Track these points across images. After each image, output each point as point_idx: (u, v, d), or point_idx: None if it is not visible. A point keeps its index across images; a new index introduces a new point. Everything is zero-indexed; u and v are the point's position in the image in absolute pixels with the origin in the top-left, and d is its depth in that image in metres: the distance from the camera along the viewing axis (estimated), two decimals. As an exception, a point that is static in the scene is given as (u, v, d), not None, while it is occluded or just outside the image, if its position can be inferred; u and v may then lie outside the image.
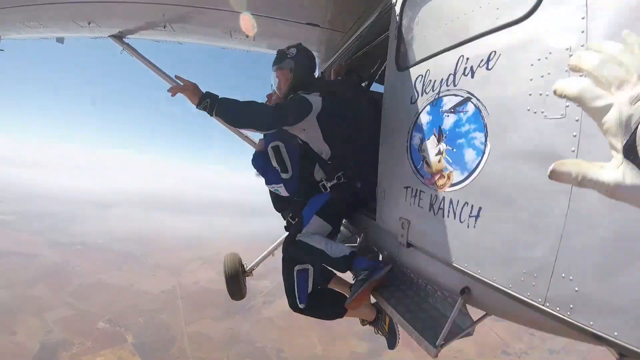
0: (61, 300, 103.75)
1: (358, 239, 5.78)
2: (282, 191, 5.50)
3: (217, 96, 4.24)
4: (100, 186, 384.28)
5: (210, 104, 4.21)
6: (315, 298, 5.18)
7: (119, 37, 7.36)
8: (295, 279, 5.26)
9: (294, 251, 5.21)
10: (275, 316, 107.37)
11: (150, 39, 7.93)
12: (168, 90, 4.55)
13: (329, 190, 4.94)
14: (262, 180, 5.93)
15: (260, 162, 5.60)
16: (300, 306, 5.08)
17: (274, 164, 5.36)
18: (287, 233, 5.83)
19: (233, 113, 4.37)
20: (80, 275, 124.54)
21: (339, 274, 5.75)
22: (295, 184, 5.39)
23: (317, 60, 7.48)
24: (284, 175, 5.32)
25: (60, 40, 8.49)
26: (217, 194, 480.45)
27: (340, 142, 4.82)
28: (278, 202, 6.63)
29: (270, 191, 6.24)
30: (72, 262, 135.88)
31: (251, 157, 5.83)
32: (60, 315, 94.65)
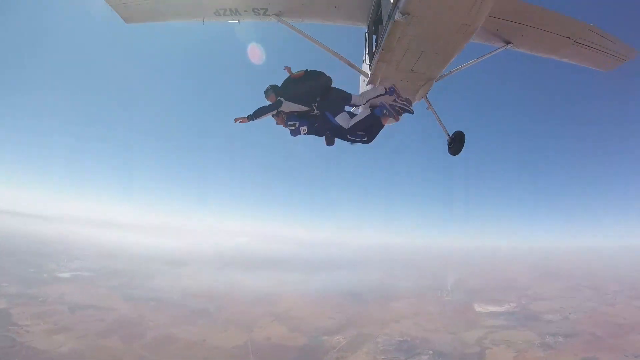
0: (134, 352, 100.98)
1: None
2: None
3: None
4: (173, 245, 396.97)
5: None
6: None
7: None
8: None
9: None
10: None
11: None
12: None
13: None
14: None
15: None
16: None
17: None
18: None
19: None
20: (154, 329, 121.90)
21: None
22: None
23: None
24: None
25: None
26: (285, 249, 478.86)
27: None
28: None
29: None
30: (146, 317, 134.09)
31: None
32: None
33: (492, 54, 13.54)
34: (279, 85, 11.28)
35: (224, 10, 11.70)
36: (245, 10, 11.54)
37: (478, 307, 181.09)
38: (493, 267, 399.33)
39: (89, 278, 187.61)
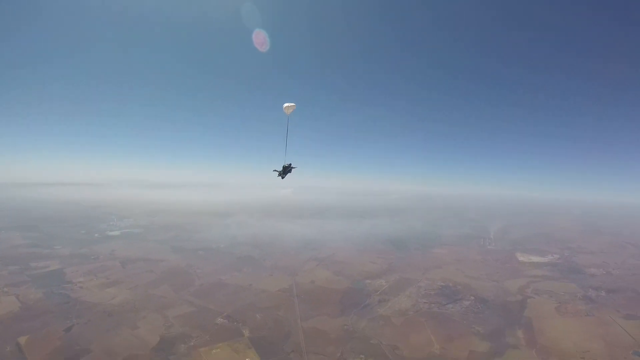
0: (183, 298, 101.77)
1: None
2: None
3: None
4: (218, 200, 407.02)
5: None
6: None
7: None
8: None
9: None
10: (391, 314, 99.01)
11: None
12: None
13: None
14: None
15: None
16: None
17: None
18: None
19: None
20: (202, 277, 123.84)
21: None
22: None
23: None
24: None
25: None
26: (326, 199, 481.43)
27: None
28: None
29: None
30: (195, 265, 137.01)
31: None
32: (181, 311, 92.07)
33: None
34: (283, 169, 36.61)
35: None
36: None
37: (521, 257, 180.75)
38: (537, 219, 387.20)
39: (139, 234, 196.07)
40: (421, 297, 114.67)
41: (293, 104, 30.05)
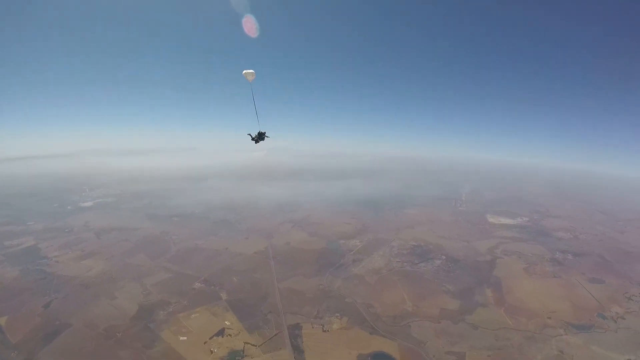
0: (160, 265, 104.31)
1: None
2: None
3: None
4: (190, 164, 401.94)
5: None
6: None
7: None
8: None
9: None
10: (365, 273, 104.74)
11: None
12: None
13: None
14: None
15: None
16: None
17: None
18: None
19: None
20: (178, 243, 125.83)
21: None
22: None
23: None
24: None
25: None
26: (301, 161, 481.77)
27: None
28: None
29: None
30: (170, 232, 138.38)
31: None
32: (158, 279, 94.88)
33: None
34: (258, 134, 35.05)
35: None
36: None
37: (491, 219, 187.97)
38: (508, 182, 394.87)
39: (112, 204, 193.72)
40: (394, 256, 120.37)
41: (252, 70, 30.69)
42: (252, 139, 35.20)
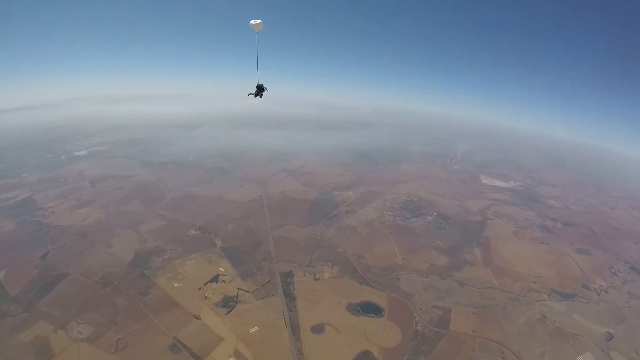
0: (155, 213, 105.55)
1: None
2: None
3: None
4: (185, 111, 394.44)
5: None
6: None
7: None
8: None
9: None
10: (357, 225, 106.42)
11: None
12: None
13: None
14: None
15: None
16: None
17: None
18: None
19: None
20: (173, 190, 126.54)
21: None
22: None
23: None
24: None
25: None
26: (297, 111, 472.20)
27: None
28: None
29: None
30: (165, 179, 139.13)
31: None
32: (153, 226, 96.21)
33: None
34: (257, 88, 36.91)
35: None
36: None
37: (485, 180, 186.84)
38: (504, 145, 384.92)
39: (106, 151, 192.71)
40: (387, 209, 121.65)
41: (259, 20, 29.96)
42: (253, 94, 38.05)
